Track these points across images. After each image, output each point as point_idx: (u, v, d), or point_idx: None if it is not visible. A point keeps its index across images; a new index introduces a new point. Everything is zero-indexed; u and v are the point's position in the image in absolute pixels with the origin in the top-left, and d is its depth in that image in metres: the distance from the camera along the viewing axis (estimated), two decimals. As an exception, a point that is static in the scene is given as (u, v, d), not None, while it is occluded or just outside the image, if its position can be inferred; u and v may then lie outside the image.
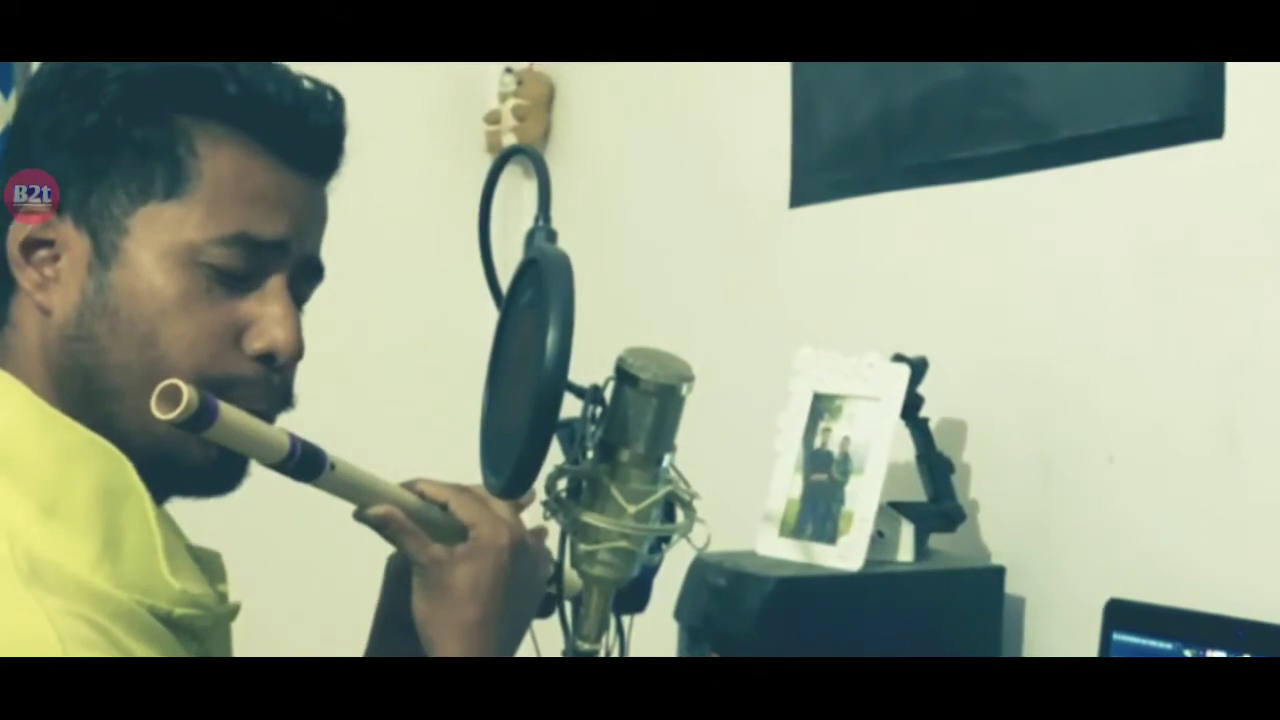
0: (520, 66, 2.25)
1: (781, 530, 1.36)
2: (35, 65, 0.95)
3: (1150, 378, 1.28)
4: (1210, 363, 1.22)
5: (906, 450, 1.39)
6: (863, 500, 1.32)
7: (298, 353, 0.90)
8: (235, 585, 0.94)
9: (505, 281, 0.95)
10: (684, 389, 0.91)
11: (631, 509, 0.90)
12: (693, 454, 0.95)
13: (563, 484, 0.92)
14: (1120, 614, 1.15)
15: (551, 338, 0.83)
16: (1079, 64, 1.31)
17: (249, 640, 0.94)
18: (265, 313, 0.89)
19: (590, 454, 0.91)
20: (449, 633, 0.95)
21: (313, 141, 0.92)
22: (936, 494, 1.38)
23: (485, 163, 1.89)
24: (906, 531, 1.35)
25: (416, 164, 2.28)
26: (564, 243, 0.92)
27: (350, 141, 0.95)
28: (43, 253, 0.89)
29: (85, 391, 0.87)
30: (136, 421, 0.85)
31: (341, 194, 0.96)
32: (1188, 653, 1.09)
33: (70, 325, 0.87)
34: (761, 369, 1.65)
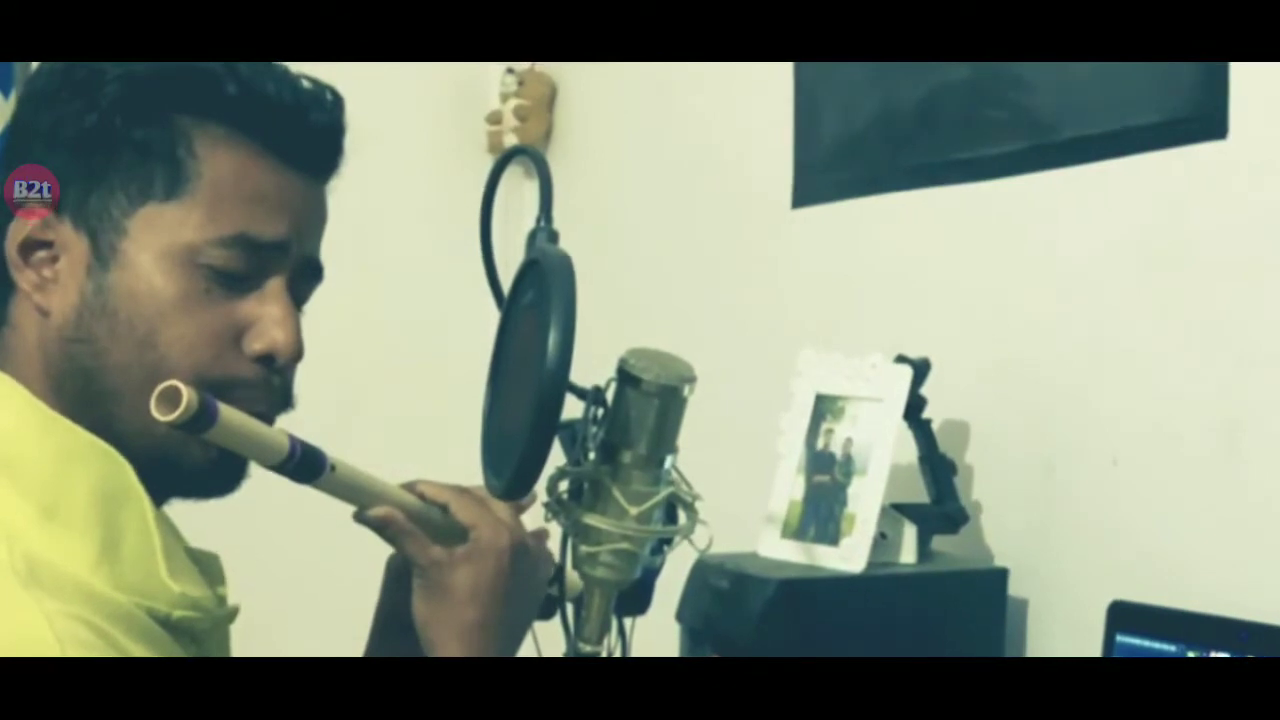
0: (522, 66, 2.25)
1: (784, 532, 1.36)
2: (35, 65, 0.95)
3: (1153, 379, 1.28)
4: (1213, 364, 1.22)
5: (909, 452, 1.39)
6: (865, 502, 1.32)
7: (297, 354, 0.90)
8: (234, 587, 0.93)
9: (506, 282, 0.95)
10: (686, 390, 0.90)
11: (633, 510, 0.90)
12: (695, 455, 0.95)
13: (564, 485, 0.92)
14: (1123, 616, 1.15)
15: (553, 338, 0.83)
16: (1082, 64, 1.31)
17: (248, 642, 0.94)
18: (265, 314, 0.89)
19: (592, 455, 0.90)
20: (449, 634, 0.94)
21: (312, 142, 0.92)
22: (939, 496, 1.38)
23: (486, 163, 1.90)
24: (909, 533, 1.35)
25: (417, 164, 2.28)
26: (565, 243, 0.91)
27: (350, 142, 0.95)
28: (41, 254, 0.88)
29: (84, 393, 0.87)
30: (136, 423, 0.85)
31: (342, 194, 0.96)
32: (1191, 654, 1.09)
33: (69, 326, 0.87)
34: (764, 370, 1.64)
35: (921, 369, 1.35)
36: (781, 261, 1.76)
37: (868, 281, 1.62)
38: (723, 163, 1.89)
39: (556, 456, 0.89)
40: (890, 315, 1.57)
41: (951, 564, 1.38)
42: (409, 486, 0.98)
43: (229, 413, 0.85)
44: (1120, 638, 1.14)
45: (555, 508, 0.92)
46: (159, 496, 0.88)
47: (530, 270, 0.91)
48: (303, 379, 0.93)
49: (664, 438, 0.91)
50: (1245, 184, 1.21)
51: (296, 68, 0.92)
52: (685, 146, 1.97)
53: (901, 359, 1.36)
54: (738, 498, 1.26)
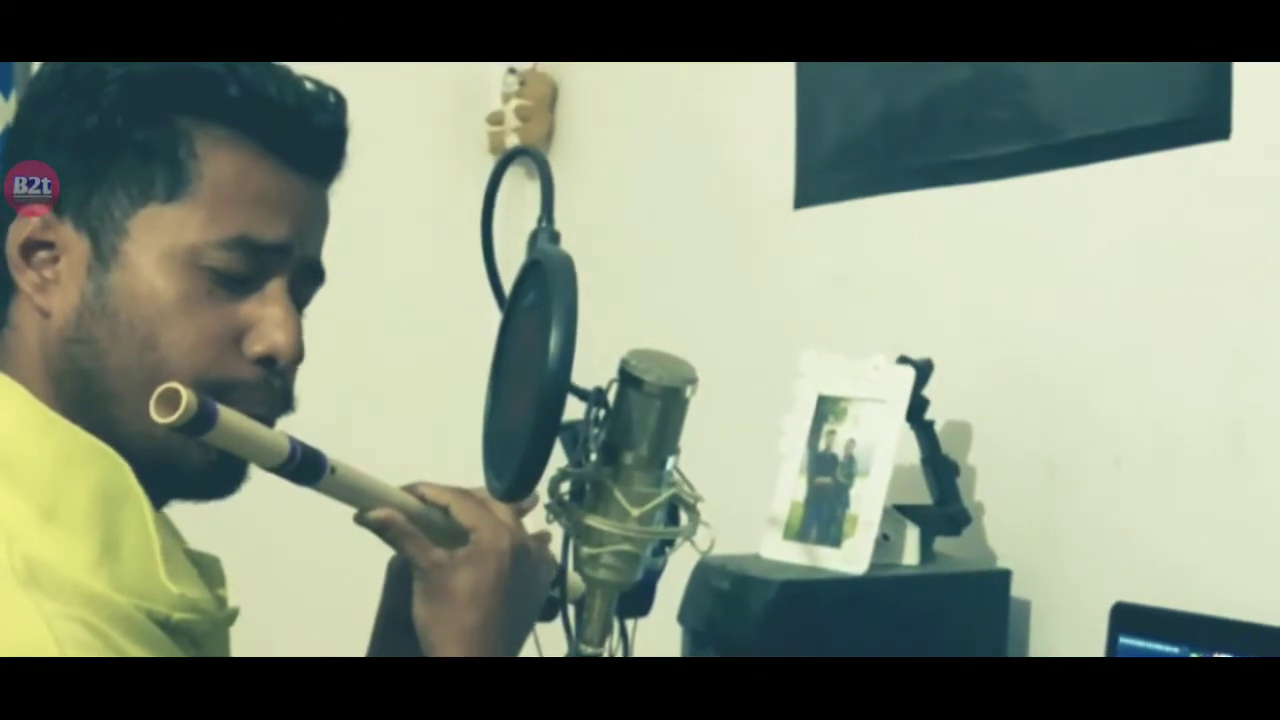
0: (523, 67, 2.24)
1: (786, 533, 1.36)
2: (35, 65, 0.94)
3: (1157, 380, 1.27)
4: (1217, 365, 1.22)
5: (912, 453, 1.38)
6: (868, 503, 1.31)
7: (298, 356, 0.90)
8: (235, 589, 0.93)
9: (508, 283, 0.94)
10: (688, 391, 0.90)
11: (635, 512, 0.90)
12: (697, 456, 0.95)
13: (566, 487, 0.92)
14: (1127, 618, 1.15)
15: (554, 339, 0.83)
16: (1085, 64, 1.30)
17: (249, 645, 0.93)
18: (266, 316, 0.89)
19: (593, 456, 0.90)
20: (450, 637, 0.94)
21: (315, 143, 0.92)
22: (942, 497, 1.37)
23: (488, 164, 1.89)
24: (912, 535, 1.34)
25: (418, 165, 2.28)
26: (567, 244, 0.91)
27: (352, 143, 0.94)
28: (42, 254, 0.88)
29: (84, 394, 0.87)
30: (136, 424, 0.85)
31: (343, 195, 0.96)
32: (1194, 656, 1.09)
33: (70, 327, 0.87)
34: (766, 371, 1.64)
35: (924, 370, 1.35)
36: (783, 262, 1.76)
37: (870, 282, 1.61)
38: (725, 163, 1.89)
39: (558, 458, 0.89)
40: (893, 316, 1.57)
41: (954, 565, 1.37)
42: (410, 488, 0.98)
43: (229, 415, 0.84)
44: (1123, 639, 1.14)
45: (557, 509, 0.92)
46: (159, 498, 0.88)
47: (532, 271, 0.90)
48: (303, 380, 0.93)
49: (666, 439, 0.90)
50: (1248, 184, 1.20)
51: (297, 68, 0.92)
52: (687, 147, 1.97)
53: (904, 360, 1.36)
54: (740, 499, 1.25)
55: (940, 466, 1.38)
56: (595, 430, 0.90)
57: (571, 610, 0.96)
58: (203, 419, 0.83)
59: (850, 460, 1.35)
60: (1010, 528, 1.40)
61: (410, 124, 2.26)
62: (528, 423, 0.84)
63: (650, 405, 0.89)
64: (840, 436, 1.36)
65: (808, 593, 1.28)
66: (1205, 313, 1.23)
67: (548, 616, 1.02)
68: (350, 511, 0.95)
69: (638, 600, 1.01)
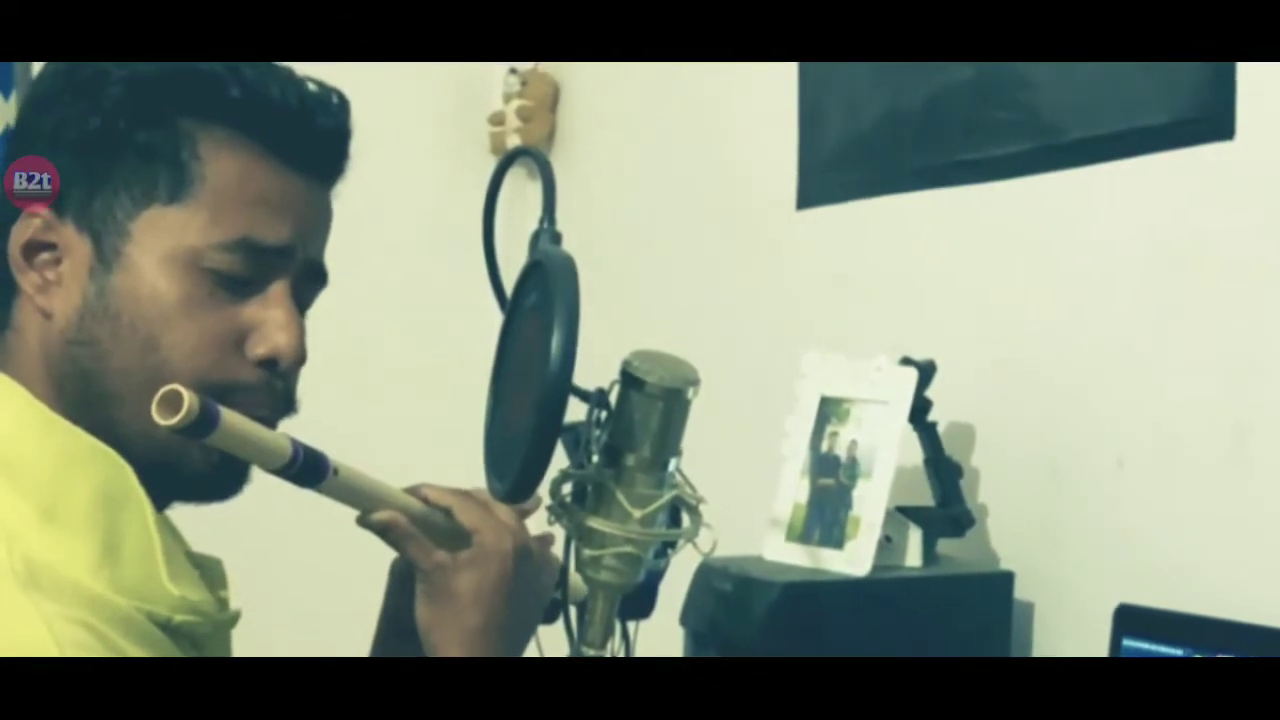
0: (525, 67, 2.24)
1: (788, 535, 1.36)
2: (36, 66, 0.94)
3: (1160, 381, 1.27)
4: (1220, 366, 1.22)
5: (914, 454, 1.38)
6: (870, 505, 1.31)
7: (300, 358, 0.90)
8: (236, 591, 0.93)
9: (509, 284, 0.94)
10: (690, 392, 0.90)
11: (637, 514, 0.90)
12: (699, 458, 0.94)
13: (567, 488, 0.92)
14: (1130, 619, 1.14)
15: (556, 341, 0.83)
16: (1088, 64, 1.30)
17: (250, 647, 0.93)
18: (268, 318, 0.89)
19: (595, 458, 0.90)
20: (453, 639, 0.94)
21: (317, 145, 0.92)
22: (945, 498, 1.37)
23: (489, 164, 1.89)
24: (914, 536, 1.34)
25: (420, 166, 2.27)
26: (569, 245, 0.91)
27: (354, 144, 0.94)
28: (44, 256, 0.88)
29: (85, 395, 0.86)
30: (137, 426, 0.85)
31: (344, 196, 0.96)
32: (1198, 658, 1.08)
33: (71, 329, 0.87)
34: (768, 372, 1.64)
35: (927, 371, 1.35)
36: (786, 263, 1.76)
37: (873, 283, 1.61)
38: (727, 164, 1.88)
39: (560, 459, 0.89)
40: (895, 317, 1.56)
41: (957, 567, 1.37)
42: (412, 490, 0.97)
43: (231, 417, 0.84)
44: (1127, 641, 1.14)
45: (558, 511, 0.92)
46: (160, 500, 0.87)
47: (533, 272, 0.90)
48: (305, 382, 0.93)
49: (668, 440, 0.90)
50: (1252, 185, 1.20)
51: (298, 68, 0.92)
52: (689, 147, 1.97)
53: (907, 361, 1.35)
54: (742, 501, 1.25)
55: (943, 468, 1.37)
56: (597, 432, 0.90)
57: (573, 612, 0.96)
58: (205, 421, 0.82)
59: (853, 462, 1.34)
60: (1013, 529, 1.40)
61: (411, 124, 2.25)
62: (529, 424, 0.84)
63: (652, 406, 0.89)
64: (843, 438, 1.36)
65: (810, 595, 1.28)
66: (1208, 313, 1.23)
67: (550, 618, 1.01)
68: (352, 513, 0.95)
69: (640, 602, 1.01)
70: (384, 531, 0.95)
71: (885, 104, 1.58)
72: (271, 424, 0.90)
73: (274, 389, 0.90)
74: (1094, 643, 1.17)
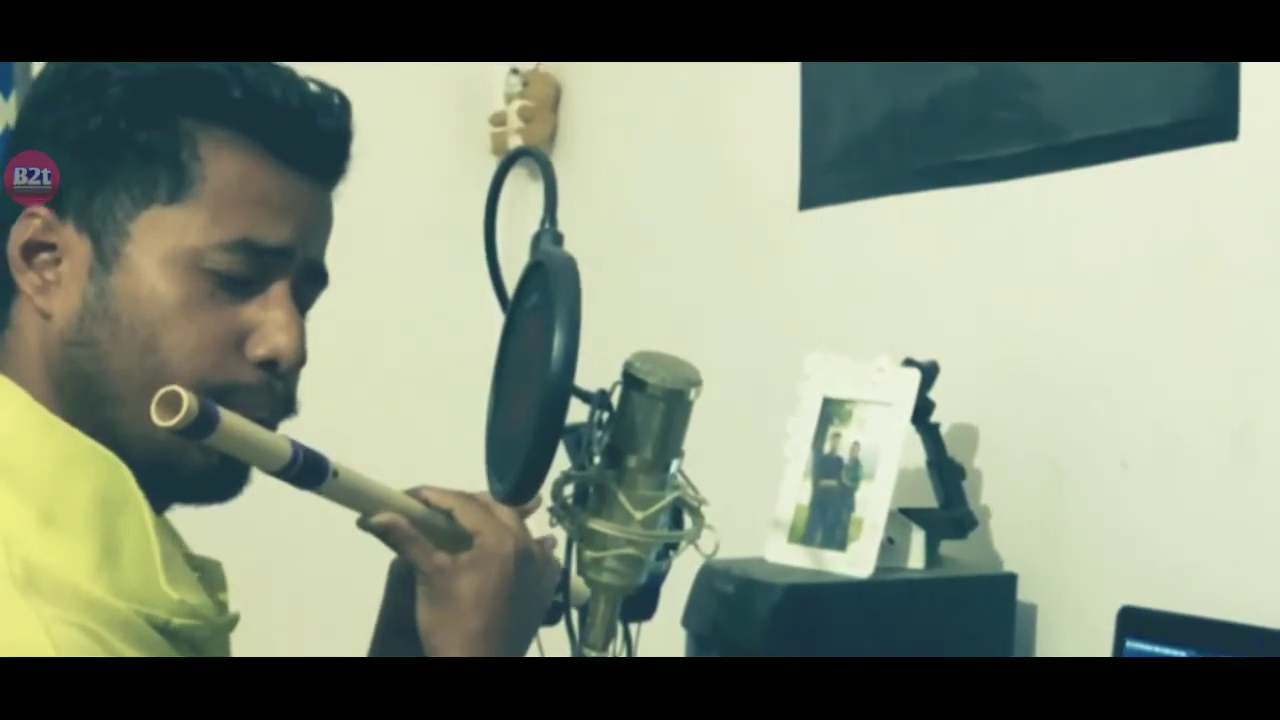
0: (526, 67, 2.24)
1: (791, 537, 1.35)
2: (36, 66, 0.94)
3: (1163, 382, 1.27)
4: (1224, 367, 1.21)
5: (917, 456, 1.38)
6: (873, 506, 1.31)
7: (300, 359, 0.90)
8: (236, 593, 0.92)
9: (511, 285, 0.94)
10: (692, 394, 0.90)
11: (639, 515, 0.89)
12: (701, 459, 0.94)
13: (569, 490, 0.91)
14: (1133, 621, 1.14)
15: (558, 341, 0.82)
16: (1091, 65, 1.30)
17: (250, 649, 0.93)
18: (268, 319, 0.88)
19: (597, 460, 0.90)
20: (454, 642, 0.94)
21: (319, 146, 0.91)
22: (948, 500, 1.37)
23: (490, 165, 1.89)
24: (917, 538, 1.34)
25: (421, 166, 2.27)
26: (570, 245, 0.91)
27: (355, 145, 0.94)
28: (44, 256, 0.88)
29: (85, 397, 0.86)
30: (136, 428, 0.84)
31: (344, 196, 0.95)
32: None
33: (71, 330, 0.86)
34: (770, 373, 1.64)
35: (929, 372, 1.35)
36: (788, 264, 1.76)
37: (875, 284, 1.61)
38: (729, 164, 1.88)
39: (561, 461, 0.88)
40: (898, 318, 1.56)
41: (960, 569, 1.37)
42: (413, 492, 0.97)
43: (230, 418, 0.84)
44: (1130, 643, 1.13)
45: (560, 512, 0.91)
46: (160, 502, 0.87)
47: (535, 273, 0.90)
48: (306, 383, 0.92)
49: (669, 442, 0.90)
50: (1255, 186, 1.20)
51: (299, 68, 0.92)
52: (691, 147, 1.96)
53: (909, 362, 1.35)
54: (744, 502, 1.25)
55: (946, 469, 1.37)
56: (599, 433, 0.90)
57: (575, 614, 0.95)
58: (204, 422, 0.82)
59: (855, 463, 1.34)
60: (1016, 531, 1.40)
61: (412, 125, 2.25)
62: (531, 425, 0.84)
63: (654, 408, 0.89)
64: (845, 439, 1.36)
65: (813, 596, 1.28)
66: (1212, 314, 1.23)
67: (551, 621, 1.01)
68: (353, 515, 0.95)
69: (641, 604, 1.00)
70: (385, 534, 0.95)
71: (887, 104, 1.57)
72: (271, 425, 0.89)
73: (274, 390, 0.89)
74: (1097, 644, 1.17)
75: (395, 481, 0.97)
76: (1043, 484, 1.36)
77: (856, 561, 1.30)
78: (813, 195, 1.71)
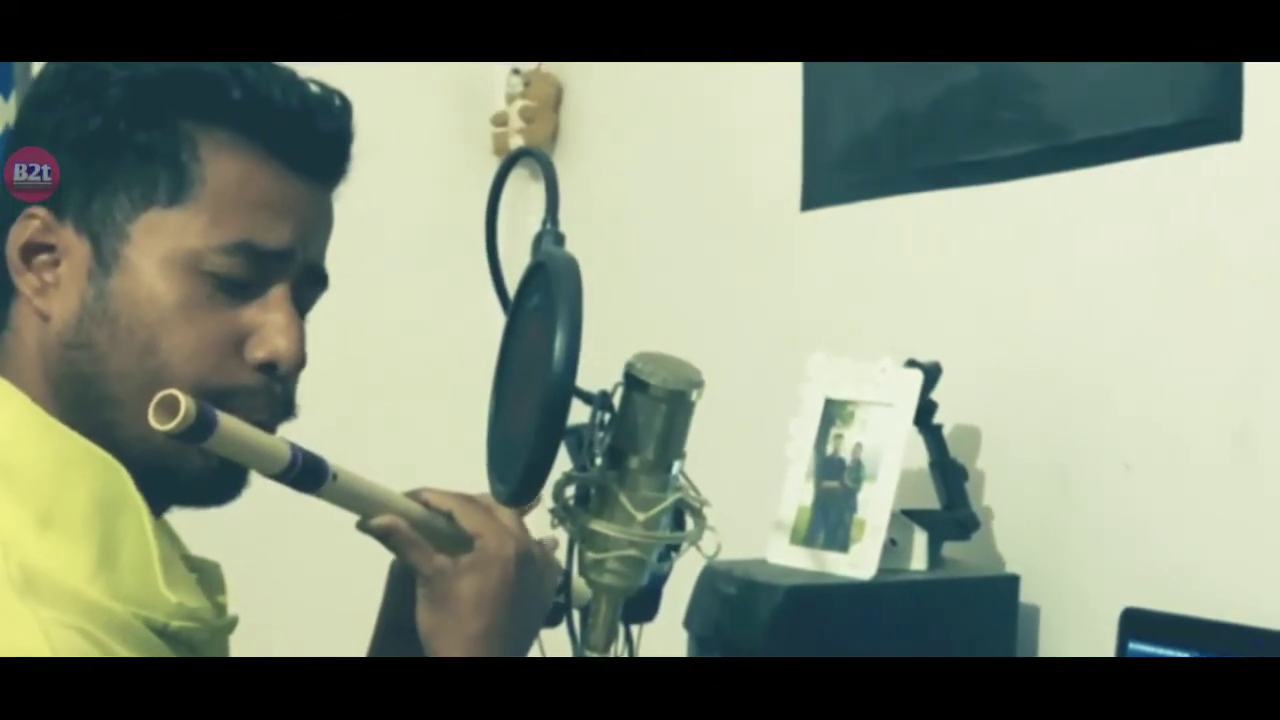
0: (527, 67, 2.24)
1: (793, 538, 1.35)
2: (36, 66, 0.94)
3: (1167, 383, 1.26)
4: (1228, 368, 1.21)
5: (920, 457, 1.38)
6: (875, 507, 1.31)
7: (300, 362, 0.89)
8: (235, 596, 0.92)
9: (512, 286, 0.94)
10: (694, 395, 0.90)
11: (640, 516, 0.89)
12: (703, 460, 0.94)
13: (571, 491, 0.91)
14: (1136, 623, 1.14)
15: (559, 342, 0.82)
16: (1095, 65, 1.30)
17: (249, 652, 0.92)
18: (267, 321, 0.88)
19: (598, 461, 0.90)
20: (455, 644, 0.94)
21: (319, 148, 0.91)
22: (950, 501, 1.37)
23: (492, 165, 1.88)
24: (920, 539, 1.34)
25: (421, 167, 2.27)
26: (572, 246, 0.90)
27: (356, 147, 0.94)
28: (43, 258, 0.88)
29: (83, 399, 0.86)
30: (135, 430, 0.84)
31: (344, 197, 0.95)
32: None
33: (69, 332, 0.86)
34: (772, 374, 1.63)
35: (932, 373, 1.34)
36: (791, 264, 1.75)
37: (878, 284, 1.61)
38: (731, 165, 1.88)
39: (563, 462, 0.88)
40: (900, 319, 1.56)
41: (962, 570, 1.37)
42: (413, 494, 0.97)
43: (228, 422, 0.84)
44: (1133, 645, 1.13)
45: (561, 514, 0.91)
46: (158, 505, 0.87)
47: (536, 273, 0.90)
48: (306, 385, 0.92)
49: (671, 443, 0.90)
50: (1259, 186, 1.19)
51: (298, 68, 0.92)
52: (693, 148, 1.96)
53: (912, 363, 1.35)
54: (746, 503, 1.25)
55: (948, 471, 1.37)
56: (600, 434, 0.89)
57: (576, 616, 0.95)
58: (201, 426, 0.82)
59: (858, 464, 1.34)
60: (1019, 532, 1.39)
61: (413, 125, 2.25)
62: (532, 427, 0.83)
63: (656, 409, 0.89)
64: (847, 440, 1.36)
65: (815, 598, 1.27)
66: (1216, 315, 1.22)
67: (552, 622, 1.01)
68: (353, 517, 0.94)
69: (643, 606, 1.00)
70: (385, 536, 0.95)
71: (890, 104, 1.57)
72: (270, 428, 0.89)
73: (273, 393, 0.89)
74: (1100, 646, 1.16)
75: (396, 483, 0.97)
76: (1045, 485, 1.36)
77: (859, 563, 1.29)
78: (815, 196, 1.71)
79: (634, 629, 0.99)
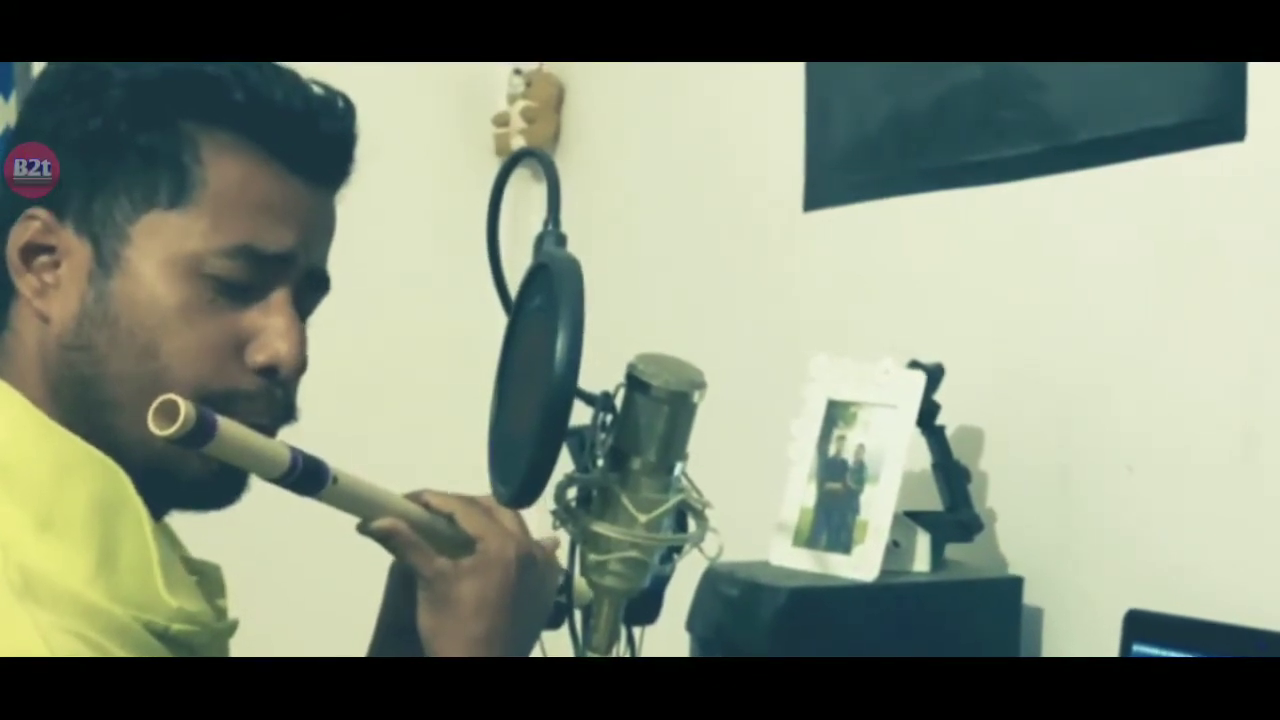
0: (529, 67, 2.24)
1: (795, 540, 1.35)
2: (36, 66, 0.94)
3: (1170, 385, 1.26)
4: (1231, 369, 1.21)
5: (922, 458, 1.37)
6: (878, 509, 1.30)
7: (301, 366, 0.89)
8: (235, 599, 0.92)
9: (514, 287, 0.93)
10: (696, 396, 0.90)
11: (642, 518, 0.89)
12: (705, 462, 0.94)
13: (572, 493, 0.91)
14: (1140, 625, 1.13)
15: (561, 343, 0.82)
16: (1098, 65, 1.29)
17: (249, 655, 0.92)
18: (268, 325, 0.88)
19: (600, 462, 0.90)
20: (456, 647, 0.93)
21: (322, 150, 0.91)
22: (953, 503, 1.36)
23: (493, 166, 1.88)
24: (922, 541, 1.33)
25: (423, 167, 2.26)
26: (573, 247, 0.90)
27: (359, 149, 0.93)
28: (43, 259, 0.88)
29: (83, 401, 0.86)
30: (134, 433, 0.84)
31: (345, 198, 0.95)
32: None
33: (69, 334, 0.86)
34: (775, 375, 1.63)
35: (935, 374, 1.34)
36: (793, 265, 1.75)
37: (880, 285, 1.60)
38: (733, 165, 1.88)
39: (564, 463, 0.88)
40: (903, 320, 1.56)
41: (966, 572, 1.36)
42: (414, 496, 0.97)
43: (228, 426, 0.83)
44: (1137, 647, 1.13)
45: (563, 515, 0.91)
46: (158, 508, 0.87)
47: (538, 274, 0.89)
48: (307, 387, 0.92)
49: (673, 444, 0.90)
50: (1263, 187, 1.19)
51: (300, 68, 0.91)
52: (695, 148, 1.96)
53: (915, 364, 1.35)
54: (748, 505, 1.24)
55: (951, 472, 1.37)
56: (602, 435, 0.89)
57: (579, 618, 0.95)
58: (201, 431, 0.81)
59: (860, 466, 1.33)
60: (1022, 534, 1.39)
61: (414, 126, 2.24)
62: (534, 428, 0.83)
63: (658, 410, 0.89)
64: (850, 442, 1.35)
65: (817, 600, 1.27)
66: (1220, 316, 1.22)
67: (554, 624, 1.01)
68: (353, 520, 0.94)
69: (645, 607, 1.00)
70: (385, 539, 0.94)
71: (893, 104, 1.57)
72: (271, 432, 0.89)
73: (274, 397, 0.89)
74: (1104, 648, 1.16)
75: (397, 485, 0.97)
76: (1049, 487, 1.36)
77: (861, 565, 1.29)
78: (817, 196, 1.70)
79: (636, 631, 0.99)
